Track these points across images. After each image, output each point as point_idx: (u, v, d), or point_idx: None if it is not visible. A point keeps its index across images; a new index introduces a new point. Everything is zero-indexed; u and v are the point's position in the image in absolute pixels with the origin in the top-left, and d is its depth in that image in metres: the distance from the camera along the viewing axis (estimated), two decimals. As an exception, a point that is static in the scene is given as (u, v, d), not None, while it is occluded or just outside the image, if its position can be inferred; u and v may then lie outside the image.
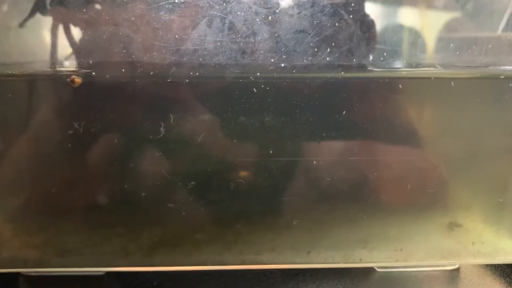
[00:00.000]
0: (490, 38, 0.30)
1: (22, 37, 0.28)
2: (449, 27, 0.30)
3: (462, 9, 0.30)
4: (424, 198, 0.34)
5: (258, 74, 0.29)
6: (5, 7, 0.28)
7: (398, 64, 0.29)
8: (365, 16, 0.28)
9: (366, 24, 0.28)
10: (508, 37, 0.30)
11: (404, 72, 0.30)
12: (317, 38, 0.28)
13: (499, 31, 0.30)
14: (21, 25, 0.28)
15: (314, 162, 0.31)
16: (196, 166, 0.31)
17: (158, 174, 0.31)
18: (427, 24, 0.29)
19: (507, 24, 0.30)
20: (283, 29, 0.28)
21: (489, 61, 0.30)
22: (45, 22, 0.28)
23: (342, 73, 0.29)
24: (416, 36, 0.29)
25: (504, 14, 0.30)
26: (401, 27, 0.30)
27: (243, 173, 0.32)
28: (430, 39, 0.30)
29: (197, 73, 0.28)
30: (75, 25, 0.28)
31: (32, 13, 0.28)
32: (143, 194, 0.32)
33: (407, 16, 0.30)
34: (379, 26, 0.29)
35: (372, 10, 0.28)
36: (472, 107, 0.32)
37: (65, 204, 0.32)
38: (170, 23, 0.27)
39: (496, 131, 0.33)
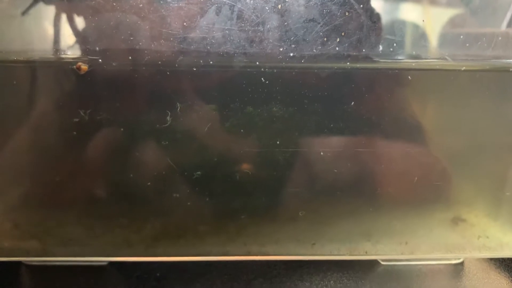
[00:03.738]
0: (497, 33, 0.29)
1: (28, 24, 0.28)
2: (455, 22, 0.30)
3: (468, 5, 0.30)
4: (429, 192, 0.34)
5: (266, 63, 0.28)
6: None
7: (407, 56, 0.29)
8: (371, 7, 0.28)
9: (371, 15, 0.28)
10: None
11: (413, 64, 0.29)
12: (327, 28, 0.28)
13: (504, 26, 0.30)
14: (24, 13, 0.28)
15: (321, 153, 0.31)
16: (201, 157, 0.31)
17: (163, 164, 0.31)
18: (436, 17, 0.29)
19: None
20: (293, 18, 0.28)
21: (497, 54, 0.30)
22: (52, 9, 0.28)
23: (351, 63, 0.29)
24: (425, 29, 0.29)
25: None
26: (411, 19, 0.29)
27: (249, 164, 0.31)
28: (439, 32, 0.29)
29: (205, 62, 0.28)
30: (82, 11, 0.27)
31: (35, 1, 0.28)
32: (148, 184, 0.31)
33: (419, 9, 0.30)
34: (389, 17, 0.29)
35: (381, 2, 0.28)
36: (478, 100, 0.32)
37: (69, 194, 0.32)
38: (178, 11, 0.27)
39: (501, 124, 0.32)
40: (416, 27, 0.29)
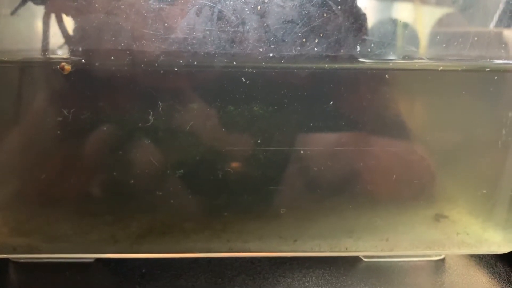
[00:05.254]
0: (477, 33, 0.30)
1: (13, 24, 0.28)
2: (441, 22, 0.30)
3: (453, 4, 0.30)
4: (410, 190, 0.34)
5: (246, 63, 0.29)
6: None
7: (384, 56, 0.30)
8: (355, 7, 0.29)
9: (356, 16, 0.29)
10: (496, 32, 0.30)
11: (391, 64, 0.30)
12: (305, 29, 0.28)
13: (489, 27, 0.30)
14: (13, 13, 0.28)
15: (302, 152, 0.32)
16: (184, 155, 0.32)
17: (146, 163, 0.31)
18: (417, 17, 0.30)
19: (497, 20, 0.30)
20: (272, 19, 0.28)
21: (476, 55, 0.30)
22: (36, 9, 0.28)
23: (330, 63, 0.29)
24: (403, 29, 0.30)
25: (494, 10, 0.30)
26: (390, 19, 0.30)
27: (231, 162, 0.32)
28: (419, 32, 0.30)
29: (186, 62, 0.28)
30: (65, 12, 0.28)
31: (23, 1, 0.28)
32: (132, 182, 0.32)
33: (396, 9, 0.30)
34: (366, 18, 0.29)
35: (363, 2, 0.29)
36: (458, 99, 0.32)
37: (55, 191, 0.33)
38: (160, 11, 0.28)
39: (481, 123, 0.33)
40: (393, 27, 0.30)
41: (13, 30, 0.29)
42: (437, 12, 0.30)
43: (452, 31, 0.30)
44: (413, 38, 0.30)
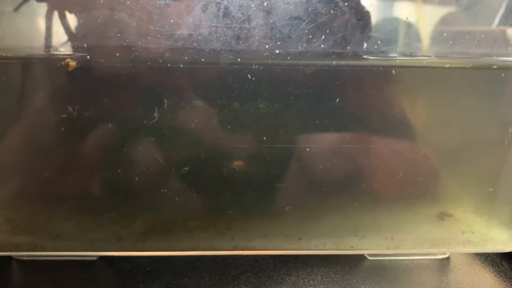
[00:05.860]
0: (484, 30, 0.30)
1: (17, 21, 0.28)
2: (445, 20, 0.30)
3: (460, 2, 0.30)
4: (415, 188, 0.34)
5: (252, 60, 0.29)
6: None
7: (391, 53, 0.29)
8: (360, 4, 0.28)
9: (362, 12, 0.29)
10: (502, 29, 0.30)
11: (398, 61, 0.30)
12: (312, 25, 0.28)
13: (493, 25, 0.30)
14: (16, 9, 0.28)
15: (307, 149, 0.32)
16: (189, 152, 0.31)
17: (151, 160, 0.31)
18: (423, 15, 0.30)
19: (502, 18, 0.30)
20: (278, 16, 0.28)
21: (482, 52, 0.30)
22: (40, 6, 0.28)
23: (336, 60, 0.29)
24: (410, 26, 0.30)
25: (497, 9, 0.30)
26: (395, 16, 0.30)
27: (236, 160, 0.32)
28: (425, 29, 0.30)
29: (192, 59, 0.28)
30: (70, 8, 0.28)
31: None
32: (136, 180, 0.32)
33: (403, 6, 0.30)
34: (373, 15, 0.29)
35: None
36: (465, 97, 0.32)
37: (59, 189, 0.32)
38: (165, 8, 0.27)
39: (487, 121, 0.33)
40: (400, 24, 0.29)
41: (17, 27, 0.28)
42: (444, 10, 0.30)
43: (459, 29, 0.30)
44: (420, 35, 0.30)
